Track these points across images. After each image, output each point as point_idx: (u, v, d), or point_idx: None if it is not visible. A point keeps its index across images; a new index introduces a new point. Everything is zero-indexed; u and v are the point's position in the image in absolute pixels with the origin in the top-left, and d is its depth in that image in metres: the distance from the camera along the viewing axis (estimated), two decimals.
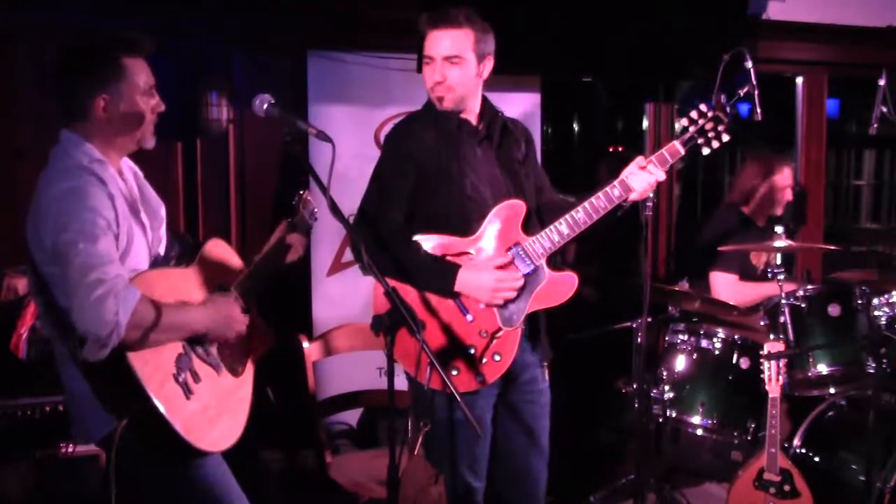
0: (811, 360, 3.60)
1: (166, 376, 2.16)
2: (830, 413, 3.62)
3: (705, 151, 2.85)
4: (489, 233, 2.73)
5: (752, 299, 3.92)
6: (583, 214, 2.73)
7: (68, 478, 3.10)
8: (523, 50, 4.07)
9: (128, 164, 2.39)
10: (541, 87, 4.60)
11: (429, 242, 2.73)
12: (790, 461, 3.37)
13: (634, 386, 3.64)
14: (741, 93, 3.27)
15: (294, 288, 4.26)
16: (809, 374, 3.61)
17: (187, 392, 2.19)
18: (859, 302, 3.62)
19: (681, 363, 3.73)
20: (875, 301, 3.63)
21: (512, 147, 2.86)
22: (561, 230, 2.72)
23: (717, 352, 3.69)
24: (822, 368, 3.60)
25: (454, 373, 2.68)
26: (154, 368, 2.13)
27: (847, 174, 7.25)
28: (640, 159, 2.81)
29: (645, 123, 5.16)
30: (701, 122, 2.82)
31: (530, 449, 2.91)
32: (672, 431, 3.87)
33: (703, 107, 2.83)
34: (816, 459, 3.56)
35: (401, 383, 3.49)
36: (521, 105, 4.51)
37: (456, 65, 2.71)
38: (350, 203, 4.41)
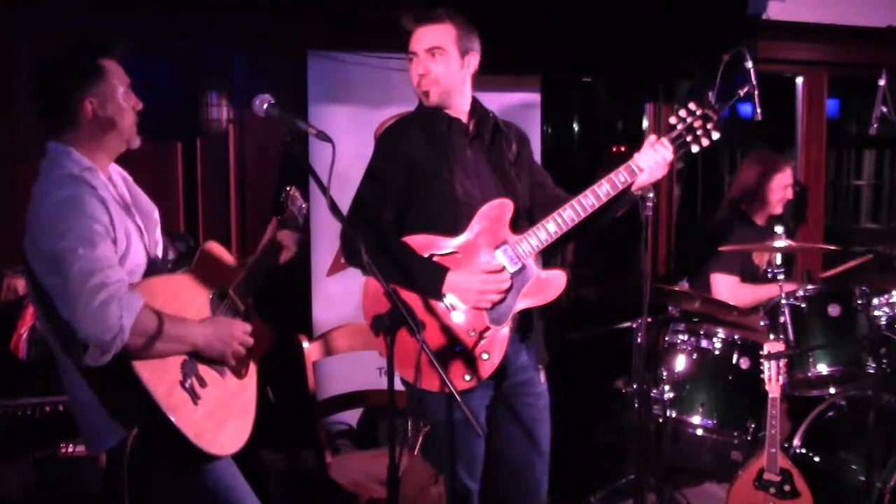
0: (811, 360, 3.60)
1: (173, 383, 2.16)
2: (830, 413, 3.62)
3: (694, 149, 2.83)
4: (477, 232, 2.74)
5: (753, 301, 3.92)
6: (570, 212, 2.73)
7: (68, 478, 3.10)
8: (523, 50, 4.08)
9: (117, 170, 2.39)
10: (541, 87, 4.60)
11: (417, 241, 2.74)
12: (790, 461, 3.37)
13: (634, 386, 3.64)
14: (741, 93, 3.27)
15: (294, 288, 4.26)
16: (809, 374, 3.61)
17: (194, 398, 2.20)
18: (859, 302, 3.62)
19: (681, 363, 3.73)
20: (875, 301, 3.63)
21: (504, 147, 2.87)
22: (548, 228, 2.73)
23: (717, 352, 3.69)
24: (822, 368, 3.60)
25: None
26: (161, 376, 2.14)
27: (847, 174, 7.25)
28: (653, 137, 2.82)
29: (645, 123, 5.16)
30: (689, 119, 2.81)
31: (530, 453, 2.90)
32: (672, 431, 3.87)
33: (691, 105, 2.81)
34: (816, 459, 3.56)
35: (401, 383, 3.50)
36: (521, 105, 4.51)
37: (439, 58, 2.74)
38: (350, 203, 4.42)
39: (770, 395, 3.31)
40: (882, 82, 3.79)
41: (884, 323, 3.60)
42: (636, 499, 3.45)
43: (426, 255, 2.74)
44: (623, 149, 6.35)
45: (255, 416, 2.41)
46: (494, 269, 2.71)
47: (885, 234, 6.79)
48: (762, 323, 3.71)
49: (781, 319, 3.58)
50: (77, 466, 3.09)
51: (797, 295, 3.64)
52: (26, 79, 3.77)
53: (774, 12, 4.88)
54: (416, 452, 2.82)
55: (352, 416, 4.29)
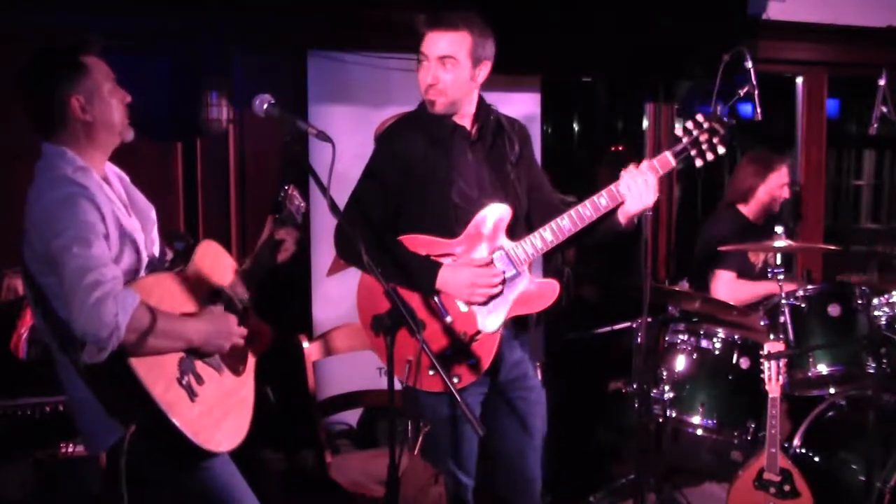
0: (811, 360, 3.60)
1: (170, 380, 2.16)
2: (830, 413, 3.61)
3: (698, 163, 2.76)
4: (473, 236, 2.74)
5: (750, 297, 3.92)
6: (568, 222, 2.71)
7: (68, 478, 3.10)
8: (523, 50, 4.07)
9: (113, 170, 2.39)
10: (541, 87, 4.60)
11: (413, 241, 2.74)
12: (790, 461, 3.36)
13: (634, 386, 3.64)
14: (741, 93, 3.27)
15: (294, 288, 4.26)
16: (809, 374, 3.61)
17: (191, 395, 2.20)
18: (859, 302, 3.62)
19: (681, 363, 3.73)
20: (875, 301, 3.63)
21: (505, 148, 2.84)
22: (545, 237, 2.72)
23: (717, 352, 3.69)
24: (822, 368, 3.60)
25: (431, 373, 2.67)
26: (158, 373, 2.13)
27: (847, 174, 7.25)
28: (630, 167, 2.77)
29: (645, 123, 5.16)
30: (696, 132, 2.74)
31: (524, 447, 2.90)
32: (672, 431, 3.87)
33: (699, 117, 2.74)
34: (816, 459, 3.55)
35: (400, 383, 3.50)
36: (521, 105, 4.51)
37: (449, 67, 2.69)
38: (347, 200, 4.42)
39: (770, 395, 3.31)
40: (882, 82, 3.79)
41: (884, 323, 3.60)
42: (636, 499, 3.46)
43: (422, 254, 2.74)
44: (621, 148, 6.36)
45: (252, 413, 2.41)
46: (487, 263, 2.71)
47: (885, 234, 6.78)
48: (762, 323, 3.71)
49: (781, 319, 3.58)
50: (77, 466, 3.09)
51: (797, 295, 3.64)
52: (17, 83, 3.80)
53: (774, 12, 4.88)
54: (416, 452, 2.83)
55: (352, 416, 4.29)
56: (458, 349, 2.69)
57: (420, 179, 2.73)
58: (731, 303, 3.73)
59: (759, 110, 3.34)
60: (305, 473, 3.93)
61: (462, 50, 2.68)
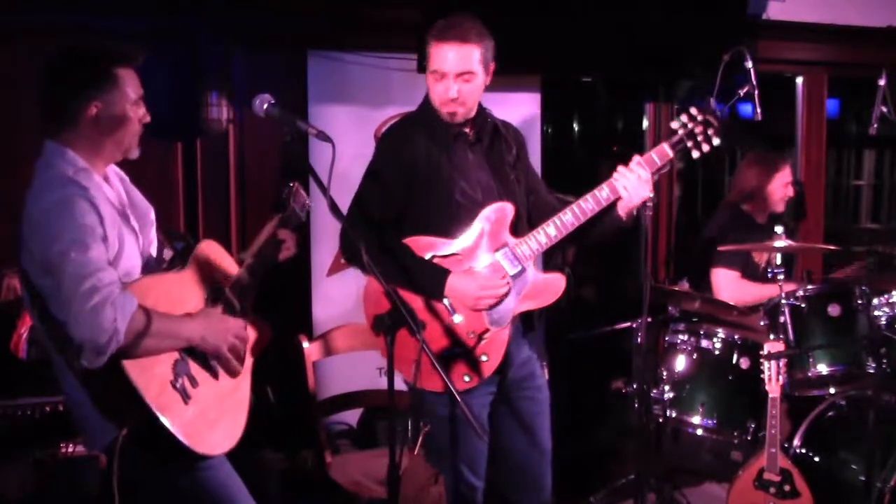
0: (811, 360, 3.60)
1: (164, 383, 2.16)
2: (830, 413, 3.62)
3: (695, 155, 2.85)
4: (477, 235, 2.76)
5: (754, 299, 3.92)
6: (570, 216, 2.75)
7: (68, 478, 3.10)
8: (523, 50, 4.07)
9: (114, 170, 2.39)
10: (541, 87, 4.60)
11: (417, 243, 2.75)
12: (790, 461, 3.37)
13: (634, 386, 3.64)
14: (741, 93, 3.27)
15: (294, 288, 4.26)
16: (809, 374, 3.61)
17: (185, 397, 2.19)
18: (859, 302, 3.61)
19: (681, 363, 3.73)
20: (875, 301, 3.63)
21: (503, 150, 2.88)
22: (548, 232, 2.75)
23: (717, 352, 3.69)
24: (822, 368, 3.60)
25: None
26: (151, 376, 2.13)
27: (847, 174, 7.25)
28: (634, 158, 2.81)
29: (645, 123, 5.16)
30: (690, 125, 2.82)
31: (532, 447, 2.92)
32: (672, 431, 3.87)
33: (693, 110, 2.82)
34: (816, 459, 3.56)
35: (401, 383, 3.50)
36: (521, 105, 4.51)
37: (468, 79, 2.71)
38: (350, 203, 4.42)
39: (770, 395, 3.31)
40: (882, 82, 3.79)
41: (884, 323, 3.59)
42: (636, 499, 3.46)
43: (427, 257, 2.75)
44: (614, 148, 6.35)
45: (248, 414, 2.40)
46: (495, 273, 2.73)
47: (885, 234, 6.78)
48: (762, 323, 3.71)
49: (781, 319, 3.58)
50: (77, 466, 3.09)
51: (797, 295, 3.64)
52: (28, 80, 3.81)
53: (774, 12, 4.88)
54: (416, 452, 2.83)
55: (352, 416, 4.29)
56: (468, 348, 2.71)
57: (423, 181, 2.74)
58: (733, 303, 3.73)
59: (759, 110, 3.35)
60: (305, 473, 3.93)
61: (476, 61, 2.71)
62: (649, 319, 3.32)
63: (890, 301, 3.61)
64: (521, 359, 2.86)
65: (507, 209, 2.77)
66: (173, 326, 2.19)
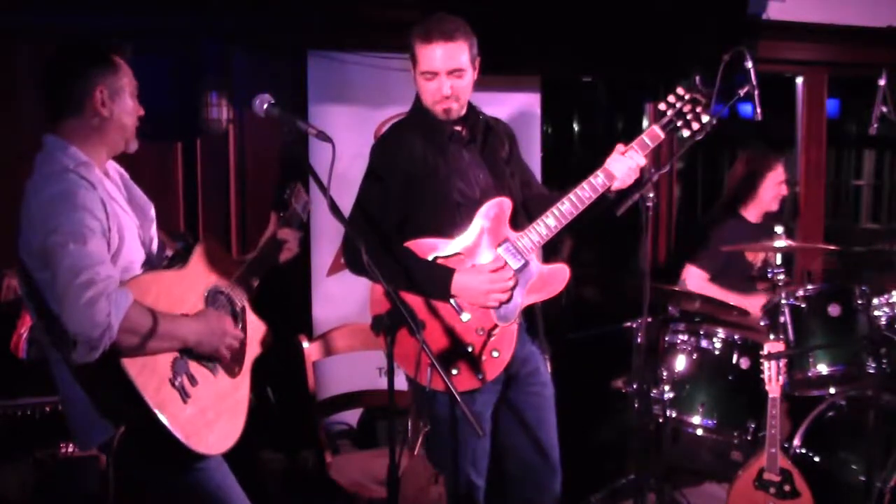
0: (811, 360, 3.60)
1: (162, 381, 2.15)
2: (830, 413, 3.61)
3: (685, 134, 2.88)
4: (478, 232, 2.77)
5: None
6: (569, 205, 2.77)
7: (68, 478, 3.10)
8: (523, 50, 4.07)
9: (113, 166, 2.39)
10: (541, 87, 4.60)
11: (420, 246, 2.76)
12: (790, 461, 3.37)
13: (634, 386, 3.64)
14: (741, 93, 3.27)
15: (294, 288, 4.26)
16: (809, 374, 3.60)
17: (184, 396, 2.19)
18: (859, 302, 3.61)
19: (681, 363, 3.73)
20: (875, 301, 3.63)
21: (496, 146, 2.90)
22: (548, 223, 2.77)
23: (717, 352, 3.69)
24: (822, 368, 3.59)
25: (454, 372, 2.70)
26: (150, 373, 2.12)
27: (847, 174, 7.25)
28: (619, 146, 2.84)
29: (645, 123, 5.15)
30: (678, 104, 2.86)
31: (543, 442, 2.93)
32: (672, 431, 3.87)
33: (679, 90, 2.86)
34: (816, 459, 3.55)
35: (401, 383, 3.49)
36: (521, 105, 4.51)
37: (459, 75, 2.73)
38: (350, 203, 4.41)
39: (770, 395, 3.31)
40: (882, 82, 3.79)
41: (884, 323, 3.59)
42: (636, 499, 3.46)
43: (430, 258, 2.75)
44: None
45: (246, 415, 2.40)
46: (500, 269, 2.74)
47: (885, 234, 6.78)
48: (762, 323, 3.71)
49: (781, 319, 3.58)
50: (77, 466, 3.09)
51: (797, 295, 3.64)
52: (28, 80, 3.81)
53: (774, 12, 4.88)
54: (416, 452, 2.83)
55: (352, 416, 4.29)
56: (478, 346, 2.73)
57: (420, 183, 2.76)
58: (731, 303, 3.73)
59: (759, 110, 3.34)
60: (305, 473, 3.93)
61: (465, 57, 2.73)
62: (649, 319, 3.32)
63: (890, 301, 3.61)
64: (524, 355, 2.88)
65: (505, 204, 2.79)
66: (172, 327, 2.19)
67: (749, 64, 3.26)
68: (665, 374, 3.72)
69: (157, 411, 2.10)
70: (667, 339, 3.83)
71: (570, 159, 6.49)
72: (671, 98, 2.86)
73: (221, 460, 2.36)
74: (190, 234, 4.04)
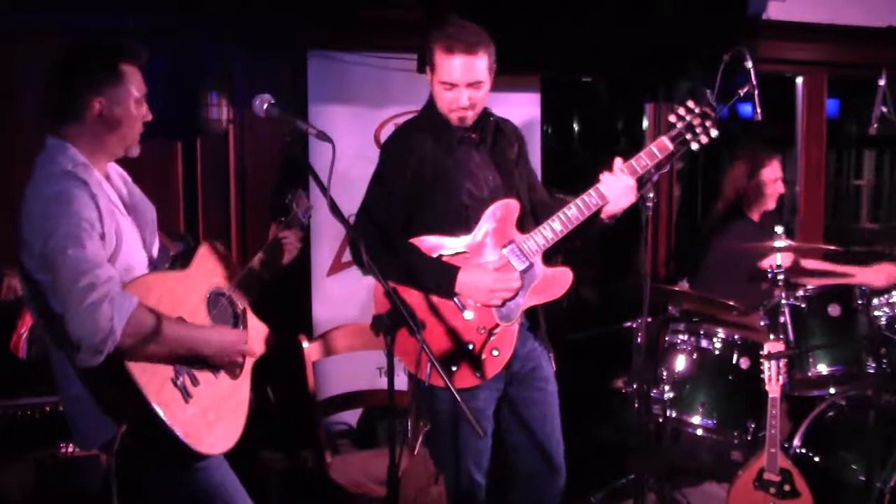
0: (811, 360, 3.60)
1: (164, 380, 2.16)
2: (830, 413, 3.61)
3: (694, 147, 2.89)
4: (484, 232, 2.79)
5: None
6: (575, 211, 2.78)
7: (68, 478, 3.10)
8: (523, 50, 4.07)
9: (115, 169, 2.39)
10: (541, 87, 4.60)
11: (425, 243, 2.77)
12: (790, 461, 3.37)
13: (634, 386, 3.64)
14: (741, 93, 3.27)
15: (294, 288, 4.25)
16: (809, 374, 3.61)
17: (186, 396, 2.19)
18: (859, 302, 3.61)
19: (681, 363, 3.73)
20: (875, 301, 3.63)
21: (506, 148, 2.91)
22: (554, 227, 2.78)
23: (717, 352, 3.69)
24: (822, 368, 3.59)
25: (454, 369, 2.72)
26: (152, 373, 2.13)
27: (847, 174, 7.24)
28: (617, 161, 2.83)
29: (645, 123, 5.15)
30: (689, 117, 2.86)
31: (547, 438, 2.94)
32: (672, 431, 3.87)
33: (690, 103, 2.86)
34: (816, 459, 3.55)
35: (401, 383, 3.49)
36: (521, 105, 4.51)
37: (478, 88, 2.75)
38: (350, 203, 4.39)
39: (770, 395, 3.31)
40: (882, 82, 3.79)
41: (884, 323, 3.60)
42: (636, 499, 3.46)
43: (435, 256, 2.77)
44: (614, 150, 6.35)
45: (247, 417, 2.40)
46: (505, 268, 2.76)
47: (885, 234, 6.78)
48: (762, 323, 3.71)
49: (781, 319, 3.58)
50: (77, 466, 3.09)
51: (797, 295, 3.64)
52: (28, 80, 3.80)
53: (774, 12, 4.88)
54: (416, 452, 2.83)
55: (352, 416, 4.29)
56: (479, 344, 2.74)
57: (429, 183, 2.77)
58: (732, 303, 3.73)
59: (759, 110, 3.35)
60: (305, 473, 3.93)
61: (486, 70, 2.75)
62: (649, 319, 3.32)
63: (890, 301, 3.62)
64: (526, 352, 2.89)
65: (512, 206, 2.80)
66: (179, 333, 2.19)
67: (749, 64, 3.26)
68: (665, 374, 3.72)
69: (159, 410, 2.10)
70: (667, 339, 3.83)
71: (570, 159, 6.50)
72: (681, 111, 2.87)
73: (222, 459, 2.36)
74: (190, 234, 4.04)
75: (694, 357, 3.72)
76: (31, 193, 2.16)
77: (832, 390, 3.69)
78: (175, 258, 2.46)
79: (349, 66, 4.31)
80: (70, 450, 3.10)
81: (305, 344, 3.46)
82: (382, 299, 2.73)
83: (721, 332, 3.70)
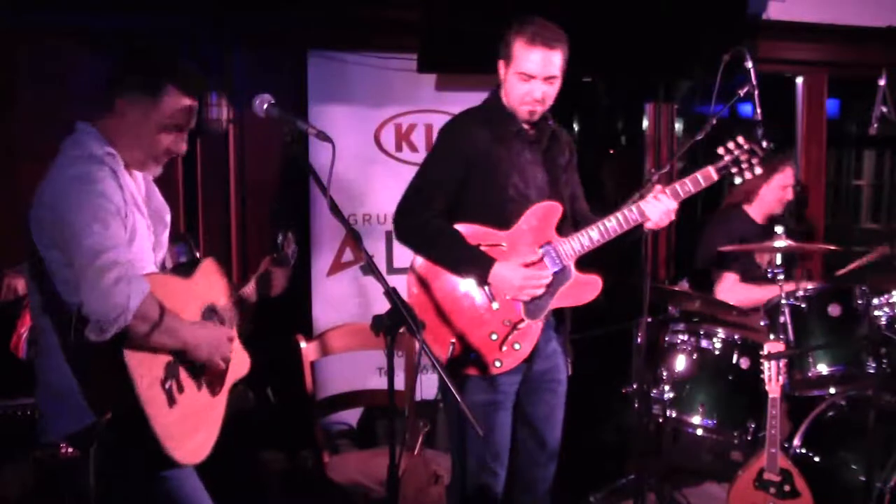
0: (811, 360, 3.60)
1: (155, 379, 2.15)
2: (830, 413, 3.61)
3: (737, 181, 2.99)
4: (525, 229, 2.85)
5: (753, 301, 3.92)
6: (614, 223, 2.87)
7: (68, 478, 3.09)
8: None
9: None
10: None
11: (468, 231, 2.84)
12: (790, 461, 3.37)
13: (634, 386, 3.64)
14: (741, 93, 3.28)
15: (294, 288, 4.24)
16: (809, 374, 3.60)
17: (171, 399, 2.19)
18: (859, 302, 3.61)
19: (681, 363, 3.73)
20: (875, 301, 3.63)
21: (557, 153, 2.99)
22: (591, 235, 2.87)
23: (717, 352, 3.69)
24: (822, 368, 3.59)
25: (471, 356, 2.79)
26: (146, 369, 2.12)
27: (847, 174, 7.24)
28: (657, 187, 2.94)
29: (645, 123, 5.15)
30: (736, 152, 2.95)
31: (542, 434, 3.00)
32: (672, 431, 3.87)
33: (740, 138, 2.95)
34: (816, 459, 3.55)
35: (400, 383, 3.50)
36: None
37: (552, 83, 2.82)
38: (350, 203, 4.43)
39: (770, 395, 3.31)
40: (882, 82, 3.79)
41: (884, 323, 3.59)
42: (636, 499, 3.46)
43: (475, 245, 2.83)
44: (612, 152, 6.34)
45: (218, 435, 2.38)
46: (538, 266, 2.83)
47: (885, 234, 6.77)
48: (762, 323, 3.71)
49: (781, 319, 3.58)
50: (77, 466, 3.08)
51: (797, 295, 3.64)
52: (28, 80, 3.81)
53: (774, 12, 4.88)
54: (416, 452, 2.83)
55: (351, 416, 4.29)
56: (502, 336, 2.81)
57: (480, 172, 2.83)
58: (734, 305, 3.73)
59: (759, 110, 3.35)
60: (305, 473, 3.93)
61: (561, 66, 2.82)
62: (649, 319, 3.33)
63: (890, 301, 3.61)
64: (547, 351, 2.96)
65: (556, 208, 2.87)
66: (178, 326, 2.20)
67: (749, 64, 3.26)
68: (665, 374, 3.72)
69: (144, 406, 2.08)
70: (667, 339, 3.83)
71: None
72: (731, 144, 2.95)
73: (192, 470, 2.34)
74: (190, 235, 4.04)
75: (694, 357, 3.72)
76: (56, 171, 2.18)
77: (832, 390, 3.69)
78: (177, 266, 2.48)
79: (349, 66, 4.31)
80: (70, 450, 3.10)
81: (303, 344, 3.46)
82: (415, 282, 2.84)
83: (721, 332, 3.70)
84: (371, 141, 4.39)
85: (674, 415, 3.68)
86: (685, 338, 3.75)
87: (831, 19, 4.95)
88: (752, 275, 4.07)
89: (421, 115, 4.42)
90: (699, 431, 3.67)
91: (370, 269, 2.31)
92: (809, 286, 3.75)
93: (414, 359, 3.45)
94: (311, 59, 4.28)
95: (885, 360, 3.46)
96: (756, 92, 3.27)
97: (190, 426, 2.26)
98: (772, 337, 3.46)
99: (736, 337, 3.68)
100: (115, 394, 2.09)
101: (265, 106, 2.35)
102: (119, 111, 2.24)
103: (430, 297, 2.80)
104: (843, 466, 3.52)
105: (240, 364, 2.54)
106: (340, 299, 4.34)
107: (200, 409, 2.33)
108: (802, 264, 4.79)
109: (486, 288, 2.81)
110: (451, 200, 2.83)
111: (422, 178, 2.88)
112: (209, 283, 2.45)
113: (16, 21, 3.82)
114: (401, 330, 2.23)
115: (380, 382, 4.03)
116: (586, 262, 2.92)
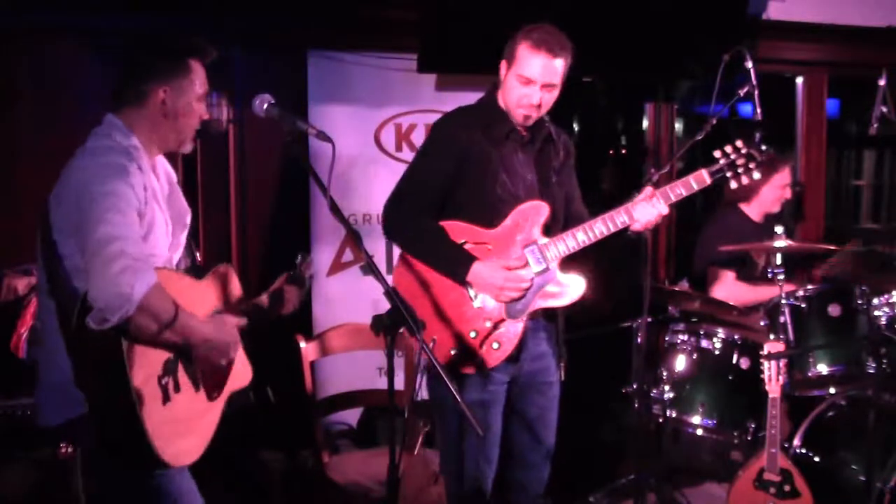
0: (811, 360, 3.60)
1: (151, 374, 2.14)
2: (830, 413, 3.61)
3: (733, 185, 2.96)
4: (510, 228, 2.84)
5: (749, 300, 3.92)
6: (601, 225, 2.85)
7: (68, 478, 3.09)
8: None
9: (164, 166, 2.44)
10: None
11: (453, 227, 2.84)
12: (790, 461, 3.37)
13: (634, 386, 3.64)
14: (741, 93, 3.28)
15: None
16: (809, 374, 3.61)
17: (166, 397, 2.18)
18: (859, 302, 3.61)
19: (681, 363, 3.73)
20: (875, 301, 3.63)
21: (551, 154, 2.97)
22: (578, 237, 2.84)
23: (717, 352, 3.69)
24: (822, 368, 3.60)
25: (452, 352, 2.78)
26: (143, 363, 2.11)
27: (847, 174, 7.24)
28: (648, 189, 2.89)
29: (645, 123, 5.15)
30: (733, 156, 2.92)
31: (537, 436, 2.98)
32: (672, 431, 3.86)
33: (738, 142, 2.91)
34: (816, 459, 3.55)
35: (400, 383, 3.50)
36: None
37: (551, 91, 2.82)
38: (350, 203, 4.43)
39: (770, 395, 3.31)
40: (882, 82, 3.79)
41: (884, 323, 3.59)
42: (636, 499, 3.46)
43: (460, 242, 2.83)
44: (623, 151, 6.35)
45: (210, 441, 2.36)
46: (519, 268, 2.80)
47: (885, 234, 6.77)
48: (762, 323, 3.71)
49: (781, 319, 3.58)
50: (77, 466, 3.09)
51: (797, 295, 3.64)
52: (28, 80, 3.80)
53: (774, 12, 4.88)
54: (416, 452, 2.83)
55: (351, 416, 4.29)
56: (482, 335, 2.80)
57: (470, 169, 2.82)
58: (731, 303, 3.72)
59: (759, 110, 3.35)
60: (305, 473, 3.93)
61: (561, 74, 2.82)
62: (649, 319, 3.33)
63: (890, 301, 3.61)
64: (536, 352, 2.94)
65: (542, 208, 2.85)
66: (187, 321, 2.18)
67: (749, 64, 3.26)
68: (665, 374, 3.72)
69: (136, 401, 2.05)
70: (667, 339, 3.83)
71: None
72: (728, 148, 2.92)
73: (184, 470, 2.33)
74: (189, 235, 4.04)
75: (694, 357, 3.72)
76: (80, 158, 2.20)
77: (832, 390, 3.69)
78: (189, 268, 2.48)
79: (349, 66, 4.31)
80: (70, 450, 3.10)
81: (303, 344, 3.46)
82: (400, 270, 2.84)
83: (721, 332, 3.70)
84: (371, 141, 4.39)
85: (674, 415, 3.68)
86: (685, 338, 3.75)
87: (831, 19, 4.95)
88: (749, 274, 4.07)
89: (421, 115, 4.42)
90: (699, 431, 3.67)
91: (370, 269, 2.31)
92: (809, 286, 3.75)
93: (414, 359, 3.44)
94: (311, 59, 4.28)
95: (885, 360, 3.46)
96: (756, 92, 3.27)
97: (182, 427, 2.24)
98: (772, 337, 3.45)
99: (736, 337, 3.68)
100: (109, 383, 2.07)
101: (265, 106, 2.35)
102: (153, 98, 2.27)
103: (413, 294, 2.80)
104: (843, 466, 3.52)
105: (242, 373, 2.53)
106: (340, 299, 4.34)
107: (195, 412, 2.31)
108: (806, 269, 4.79)
109: (466, 286, 2.81)
110: (441, 197, 2.83)
111: (411, 173, 2.88)
112: (221, 288, 2.45)
113: (16, 21, 3.82)
114: (401, 330, 2.23)
115: (380, 382, 4.03)
116: (586, 263, 2.92)
